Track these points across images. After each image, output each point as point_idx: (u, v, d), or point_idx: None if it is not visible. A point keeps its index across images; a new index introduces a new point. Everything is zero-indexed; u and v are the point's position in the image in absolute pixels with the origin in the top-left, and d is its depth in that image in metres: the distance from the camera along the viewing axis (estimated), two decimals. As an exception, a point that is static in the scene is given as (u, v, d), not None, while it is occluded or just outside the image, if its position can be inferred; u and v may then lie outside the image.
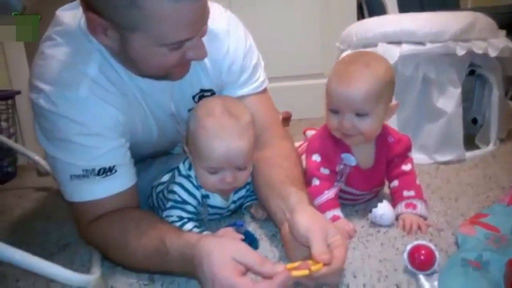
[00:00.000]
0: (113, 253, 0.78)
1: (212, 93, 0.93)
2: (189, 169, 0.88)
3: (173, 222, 0.85)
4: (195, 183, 0.88)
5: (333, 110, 0.87)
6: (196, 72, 0.87)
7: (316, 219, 0.69)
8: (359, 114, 0.85)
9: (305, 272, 0.61)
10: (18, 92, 1.68)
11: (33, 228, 1.06)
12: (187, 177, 0.88)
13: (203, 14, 0.72)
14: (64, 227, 1.03)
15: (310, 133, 1.12)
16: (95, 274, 0.74)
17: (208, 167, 0.83)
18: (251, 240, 0.81)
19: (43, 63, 0.77)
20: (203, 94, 0.93)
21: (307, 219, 0.67)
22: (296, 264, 0.63)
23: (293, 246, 0.70)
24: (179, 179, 0.88)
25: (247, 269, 0.62)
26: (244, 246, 0.65)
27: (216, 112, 0.82)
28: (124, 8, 0.65)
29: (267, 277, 0.60)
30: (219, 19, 0.89)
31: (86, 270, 0.78)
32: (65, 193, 0.81)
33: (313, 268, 0.61)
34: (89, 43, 0.77)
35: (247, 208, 0.98)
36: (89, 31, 0.73)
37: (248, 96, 0.94)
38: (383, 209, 0.88)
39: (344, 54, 1.47)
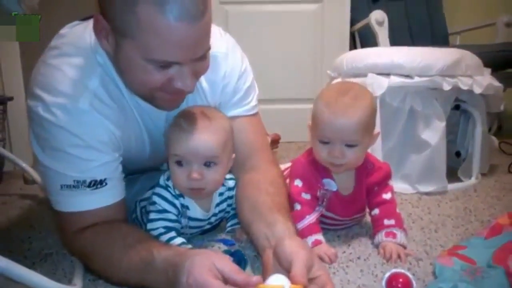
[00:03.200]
0: (96, 264, 0.78)
1: None
2: (168, 179, 0.90)
3: (160, 234, 0.86)
4: (173, 192, 0.89)
5: (323, 141, 0.89)
6: (193, 95, 0.88)
7: (304, 248, 0.67)
8: (348, 145, 0.88)
9: (280, 286, 0.60)
10: (11, 98, 1.69)
11: (16, 236, 1.05)
12: (165, 187, 0.90)
13: (197, 43, 0.71)
14: (48, 237, 1.03)
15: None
16: (77, 286, 0.75)
17: (175, 156, 0.84)
18: (239, 260, 0.82)
19: (46, 73, 0.78)
20: None
21: (295, 246, 0.67)
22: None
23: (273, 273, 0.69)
24: (157, 189, 0.90)
25: (224, 279, 0.62)
26: (226, 257, 0.66)
27: (192, 113, 0.85)
28: (121, 11, 0.67)
29: (242, 286, 0.61)
30: (219, 42, 0.92)
31: (68, 281, 0.79)
32: (54, 202, 0.81)
33: (292, 287, 0.60)
34: (94, 57, 0.79)
35: (232, 231, 0.99)
36: (94, 33, 0.75)
37: (239, 117, 0.96)
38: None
39: (335, 81, 1.52)
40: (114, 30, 0.71)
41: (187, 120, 0.84)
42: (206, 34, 0.73)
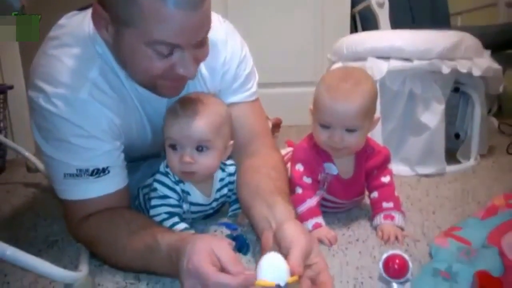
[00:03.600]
0: (101, 250, 0.80)
1: None
2: (167, 166, 0.91)
3: (163, 220, 0.87)
4: (173, 179, 0.91)
5: (323, 125, 0.90)
6: (193, 82, 0.89)
7: (304, 234, 0.69)
8: (348, 130, 0.89)
9: (272, 284, 0.60)
10: (11, 87, 1.69)
11: (21, 224, 1.08)
12: (165, 174, 0.91)
13: (198, 28, 0.73)
14: (53, 224, 1.05)
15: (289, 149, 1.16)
16: (83, 271, 0.77)
17: (169, 139, 0.86)
18: (241, 245, 0.83)
19: (46, 63, 0.79)
20: None
21: (295, 232, 0.68)
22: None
23: None
24: (158, 176, 0.92)
25: (221, 266, 0.63)
26: (225, 244, 0.67)
27: (189, 98, 0.87)
28: (123, 2, 0.68)
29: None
30: (218, 29, 0.92)
31: (74, 267, 0.81)
32: (58, 191, 0.83)
33: (289, 280, 0.61)
34: (93, 47, 0.80)
35: (234, 215, 1.01)
36: (93, 23, 0.75)
37: (240, 103, 0.97)
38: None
39: (335, 66, 1.52)
40: (115, 20, 0.71)
41: (182, 105, 0.85)
42: (207, 18, 0.74)
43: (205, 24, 0.75)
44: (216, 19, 0.92)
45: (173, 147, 0.86)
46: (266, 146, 0.99)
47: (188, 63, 0.75)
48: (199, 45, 0.76)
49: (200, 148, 0.86)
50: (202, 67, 0.91)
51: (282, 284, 0.60)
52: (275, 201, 0.80)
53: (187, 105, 0.85)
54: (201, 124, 0.84)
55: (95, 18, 0.74)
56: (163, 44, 0.71)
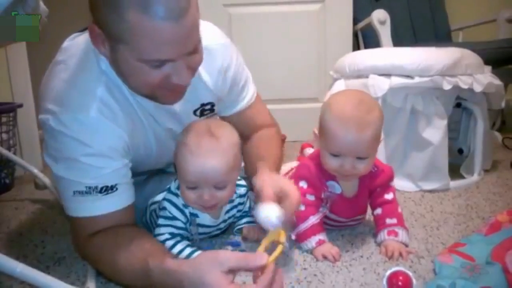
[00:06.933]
0: (103, 269, 0.82)
1: (212, 105, 1.00)
2: (178, 188, 0.92)
3: (166, 240, 0.88)
4: (182, 201, 0.91)
5: (333, 154, 0.90)
6: (195, 87, 0.91)
7: (269, 176, 0.86)
8: (359, 158, 0.89)
9: (279, 249, 0.72)
10: (20, 105, 1.73)
11: (29, 240, 1.09)
12: (176, 195, 0.92)
13: (185, 40, 0.73)
14: (60, 240, 1.06)
15: (309, 151, 1.17)
16: (90, 288, 0.78)
17: (187, 182, 0.86)
18: None
19: (54, 87, 0.81)
20: (203, 108, 0.99)
21: (261, 178, 0.85)
22: (264, 246, 0.73)
23: None
24: (168, 196, 0.93)
25: (235, 271, 0.65)
26: (223, 253, 0.66)
27: (199, 131, 0.86)
28: (113, 20, 0.70)
29: (256, 270, 0.66)
30: (213, 35, 0.96)
31: (81, 284, 0.82)
32: (66, 209, 0.85)
33: (281, 239, 0.75)
34: (98, 65, 0.82)
35: (239, 230, 1.01)
36: (92, 41, 0.78)
37: (245, 109, 1.08)
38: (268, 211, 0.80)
39: (337, 83, 1.54)
40: (109, 36, 0.74)
41: (196, 143, 0.84)
42: (193, 29, 0.74)
43: (193, 35, 0.75)
44: (209, 26, 0.97)
45: (190, 187, 0.86)
46: (266, 127, 1.13)
47: (181, 72, 0.76)
48: (191, 53, 0.77)
49: (218, 186, 0.86)
50: (202, 71, 0.92)
51: (276, 221, 0.77)
52: (256, 166, 0.93)
53: (201, 143, 0.83)
54: (219, 165, 0.83)
55: (92, 35, 0.77)
56: (154, 61, 0.73)
